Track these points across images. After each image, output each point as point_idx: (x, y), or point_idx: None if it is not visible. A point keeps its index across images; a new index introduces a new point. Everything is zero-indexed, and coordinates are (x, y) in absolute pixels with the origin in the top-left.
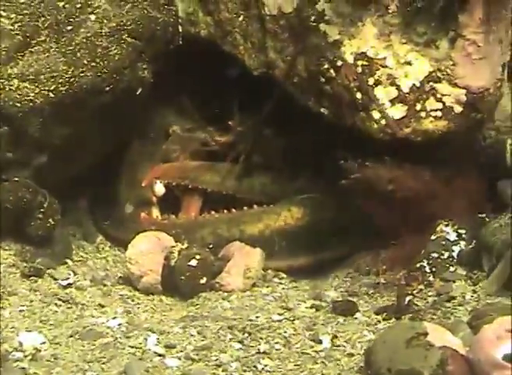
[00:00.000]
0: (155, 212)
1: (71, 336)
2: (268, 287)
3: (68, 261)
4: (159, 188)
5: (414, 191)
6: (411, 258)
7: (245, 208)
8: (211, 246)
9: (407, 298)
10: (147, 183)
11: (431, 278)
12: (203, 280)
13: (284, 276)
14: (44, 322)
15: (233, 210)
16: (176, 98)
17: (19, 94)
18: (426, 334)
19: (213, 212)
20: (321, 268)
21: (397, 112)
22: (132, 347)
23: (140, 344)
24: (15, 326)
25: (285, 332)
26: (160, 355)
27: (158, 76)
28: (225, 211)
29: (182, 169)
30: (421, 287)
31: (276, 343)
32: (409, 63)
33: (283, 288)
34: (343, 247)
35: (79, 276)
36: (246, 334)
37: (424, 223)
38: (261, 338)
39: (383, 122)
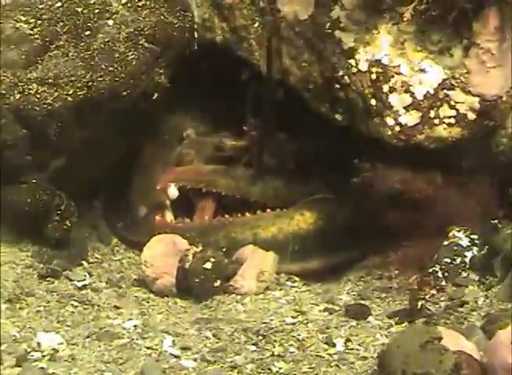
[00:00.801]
0: (169, 216)
1: (88, 337)
2: (281, 290)
3: (84, 262)
4: (173, 192)
5: (423, 194)
6: (421, 260)
7: (258, 212)
8: (224, 249)
9: (420, 303)
10: (161, 186)
11: (443, 283)
12: (217, 283)
13: (297, 279)
14: (61, 322)
15: (247, 214)
16: (190, 102)
17: (37, 98)
18: (441, 339)
19: (227, 216)
20: (334, 271)
21: (411, 118)
22: (148, 348)
23: (156, 345)
24: (32, 327)
25: (299, 335)
26: (176, 357)
27: (173, 81)
28: (239, 215)
29: (196, 173)
30: (434, 291)
31: (290, 345)
32: (423, 71)
33: (296, 291)
34: (355, 250)
35: (94, 277)
36: (260, 337)
37: (434, 226)
38: (275, 341)
39: (397, 128)
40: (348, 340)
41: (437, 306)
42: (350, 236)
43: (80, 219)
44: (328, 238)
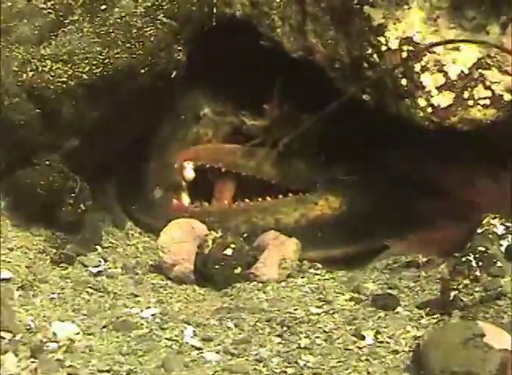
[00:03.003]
0: (185, 197)
1: (105, 326)
2: (303, 277)
3: (98, 247)
4: (189, 172)
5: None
6: (444, 243)
7: (280, 196)
8: (245, 235)
9: (452, 293)
10: (178, 164)
11: (477, 273)
12: (237, 270)
13: (320, 266)
14: (76, 311)
15: (268, 198)
16: (207, 80)
17: (51, 76)
18: (483, 335)
19: (247, 200)
20: (358, 259)
21: (444, 99)
22: (168, 339)
23: (177, 336)
24: (47, 316)
25: (325, 326)
26: (198, 349)
27: (189, 57)
28: (260, 199)
29: (215, 152)
30: (467, 281)
31: (317, 337)
32: (457, 49)
33: (319, 279)
34: (381, 237)
35: (109, 263)
36: (285, 328)
37: (463, 210)
38: (300, 332)
39: (429, 110)
40: (378, 332)
41: (471, 297)
42: (376, 222)
43: (94, 201)
44: (353, 224)
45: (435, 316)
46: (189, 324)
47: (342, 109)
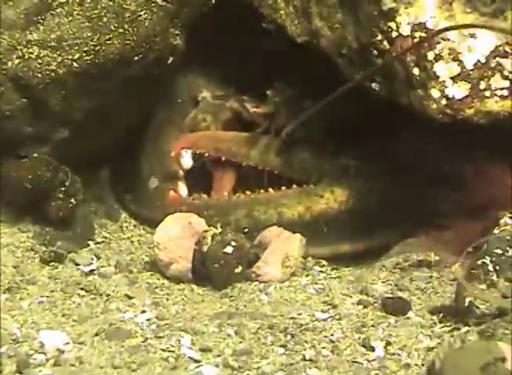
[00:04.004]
0: (182, 187)
1: (96, 334)
2: (307, 275)
3: (90, 243)
4: (187, 160)
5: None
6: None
7: (283, 188)
8: (246, 230)
9: (467, 300)
10: (175, 152)
11: (494, 277)
12: (238, 269)
13: (325, 263)
14: (66, 316)
15: (270, 190)
16: (206, 61)
17: (39, 63)
18: (504, 359)
19: (248, 192)
20: (366, 256)
21: (459, 90)
22: (164, 350)
23: (173, 347)
24: (35, 322)
25: (332, 335)
26: (196, 361)
27: (188, 38)
28: (262, 191)
29: (215, 139)
30: (483, 287)
31: (323, 348)
32: (473, 36)
33: (325, 278)
34: (390, 233)
35: (102, 260)
36: (289, 336)
37: (479, 209)
38: (305, 342)
39: (443, 101)
40: (388, 343)
41: (487, 304)
42: (386, 217)
43: (86, 192)
44: (361, 219)
45: (448, 324)
46: (186, 332)
47: (349, 95)
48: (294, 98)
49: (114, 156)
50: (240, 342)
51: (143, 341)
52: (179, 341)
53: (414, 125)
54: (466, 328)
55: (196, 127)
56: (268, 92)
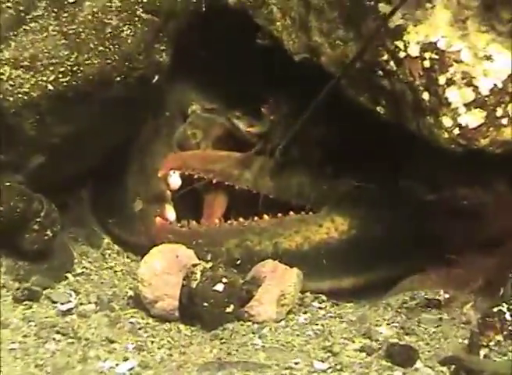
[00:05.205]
0: (169, 211)
1: None
2: (306, 313)
3: (68, 275)
4: (175, 180)
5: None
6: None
7: (279, 214)
8: (238, 262)
9: (482, 352)
10: (163, 173)
11: None
12: (229, 309)
13: (325, 299)
14: (39, 367)
15: (265, 217)
16: (196, 73)
17: (11, 85)
18: None
19: (241, 219)
20: (369, 291)
21: (474, 119)
22: None
23: None
24: (5, 374)
25: None
26: None
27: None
28: (256, 218)
29: (206, 159)
30: (500, 337)
31: None
32: (489, 58)
33: (324, 316)
34: (396, 267)
35: (81, 296)
36: None
37: (494, 242)
38: None
39: (456, 131)
40: None
41: (505, 358)
42: (391, 248)
43: (65, 215)
44: (363, 250)
45: None
46: None
47: (351, 115)
48: (291, 115)
49: (95, 176)
50: None
51: None
52: None
53: (425, 148)
54: None
55: (185, 144)
56: (262, 109)
